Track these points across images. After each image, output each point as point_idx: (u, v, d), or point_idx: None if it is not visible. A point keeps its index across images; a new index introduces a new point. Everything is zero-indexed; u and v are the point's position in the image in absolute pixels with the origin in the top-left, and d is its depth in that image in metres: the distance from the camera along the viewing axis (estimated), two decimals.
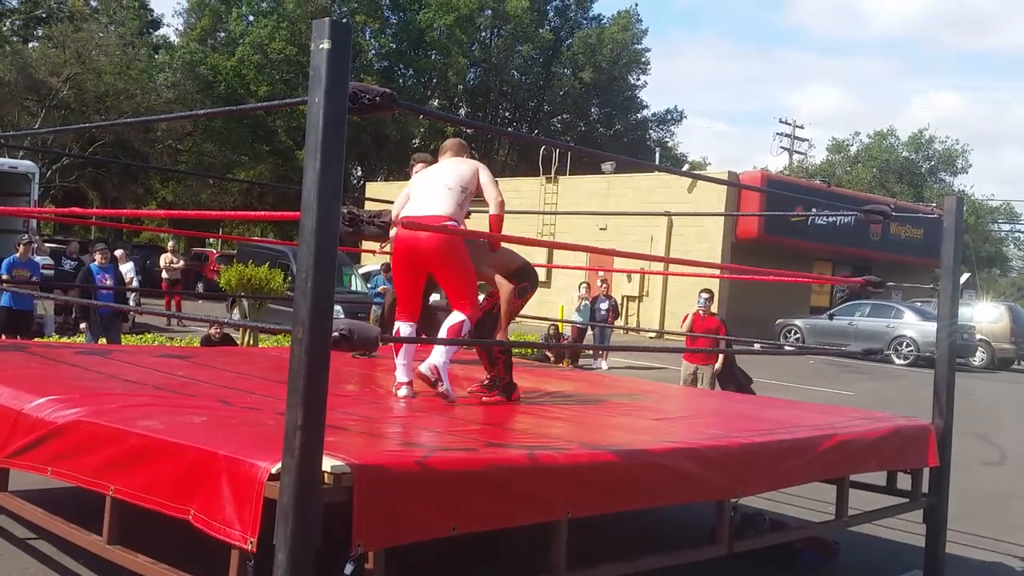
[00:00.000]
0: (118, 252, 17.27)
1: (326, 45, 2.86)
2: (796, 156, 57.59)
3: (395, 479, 3.16)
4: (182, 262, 23.88)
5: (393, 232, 5.04)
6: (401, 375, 5.21)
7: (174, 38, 47.50)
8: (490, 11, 46.99)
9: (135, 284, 17.88)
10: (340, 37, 2.88)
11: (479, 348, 5.79)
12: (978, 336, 25.57)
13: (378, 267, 20.84)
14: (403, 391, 5.18)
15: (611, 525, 5.14)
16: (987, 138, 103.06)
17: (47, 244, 20.38)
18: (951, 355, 6.00)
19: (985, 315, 26.75)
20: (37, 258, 14.50)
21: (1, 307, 12.85)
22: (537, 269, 5.82)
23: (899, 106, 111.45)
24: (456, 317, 5.14)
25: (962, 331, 22.74)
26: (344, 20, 3.10)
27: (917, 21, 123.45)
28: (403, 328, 5.30)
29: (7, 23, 38.31)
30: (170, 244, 24.79)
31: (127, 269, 16.80)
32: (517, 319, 5.77)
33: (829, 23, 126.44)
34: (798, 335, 26.01)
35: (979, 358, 25.66)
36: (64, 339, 13.35)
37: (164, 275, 22.55)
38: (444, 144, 5.72)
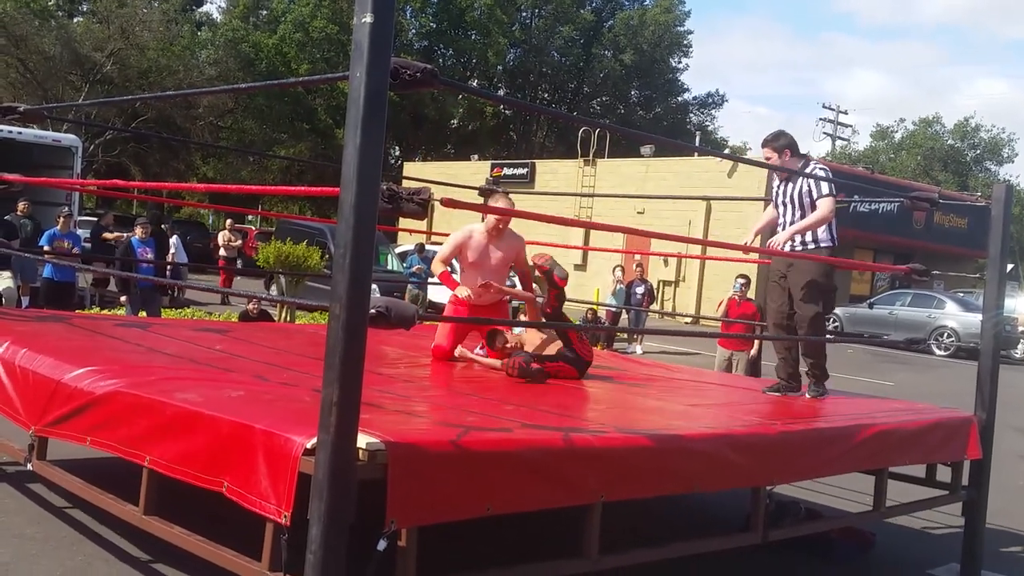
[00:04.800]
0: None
1: (368, 19, 2.83)
2: (839, 142, 56.94)
3: (430, 457, 3.15)
4: (240, 241, 23.53)
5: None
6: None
7: (217, 15, 47.91)
8: None
9: (179, 259, 17.98)
10: (383, 11, 2.85)
11: None
12: (1020, 328, 25.14)
13: (413, 247, 20.90)
14: None
15: (645, 510, 5.11)
16: None
17: (81, 218, 20.46)
18: (996, 346, 5.88)
19: None
20: (79, 231, 14.67)
21: (43, 279, 13.03)
22: (574, 251, 6.17)
23: (945, 93, 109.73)
24: None
25: (1005, 323, 22.38)
26: None
27: (967, 7, 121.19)
28: None
29: None
30: (228, 222, 24.46)
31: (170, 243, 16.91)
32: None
33: (877, 8, 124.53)
34: (837, 323, 25.72)
35: (1021, 350, 25.24)
36: (104, 311, 13.50)
37: (221, 252, 22.40)
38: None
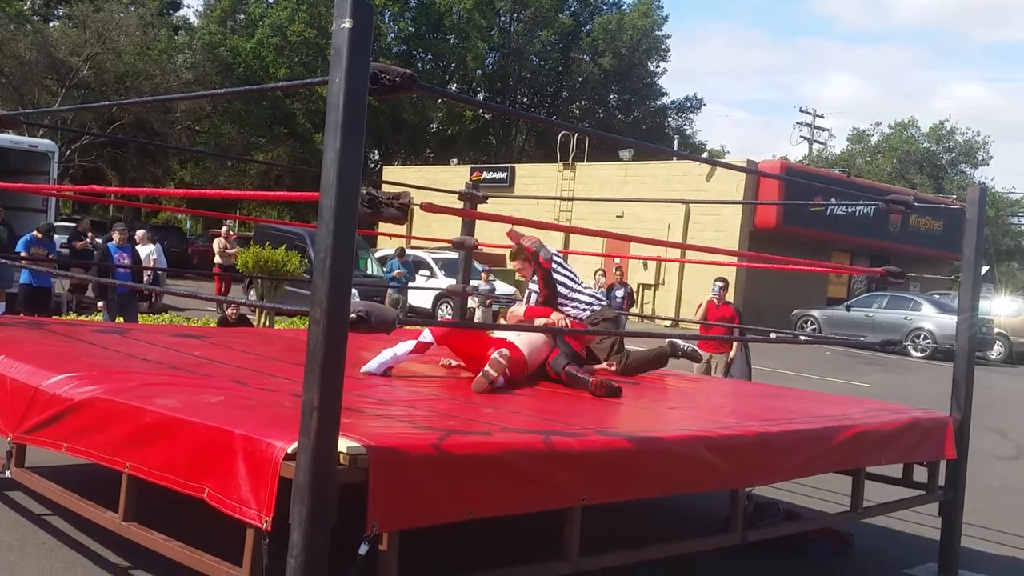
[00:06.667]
0: (139, 233, 17.29)
1: (347, 24, 2.84)
2: (816, 146, 57.36)
3: (411, 462, 3.16)
4: (236, 248, 21.21)
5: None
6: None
7: (194, 19, 47.70)
8: None
9: (161, 264, 17.77)
10: (362, 16, 2.86)
11: None
12: (996, 330, 25.39)
13: (393, 251, 20.88)
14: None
15: (625, 512, 5.13)
16: (1009, 130, 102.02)
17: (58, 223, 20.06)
18: (971, 348, 5.94)
19: (1003, 309, 26.55)
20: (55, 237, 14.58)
21: (21, 284, 12.95)
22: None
23: (921, 97, 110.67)
24: None
25: (980, 324, 22.57)
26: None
27: (942, 12, 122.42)
28: None
29: (28, 2, 38.41)
30: (224, 229, 22.91)
31: (149, 251, 16.81)
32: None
33: (853, 12, 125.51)
34: (815, 326, 25.90)
35: (997, 352, 25.48)
36: (82, 317, 13.41)
37: (217, 259, 21.12)
38: None
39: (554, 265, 6.27)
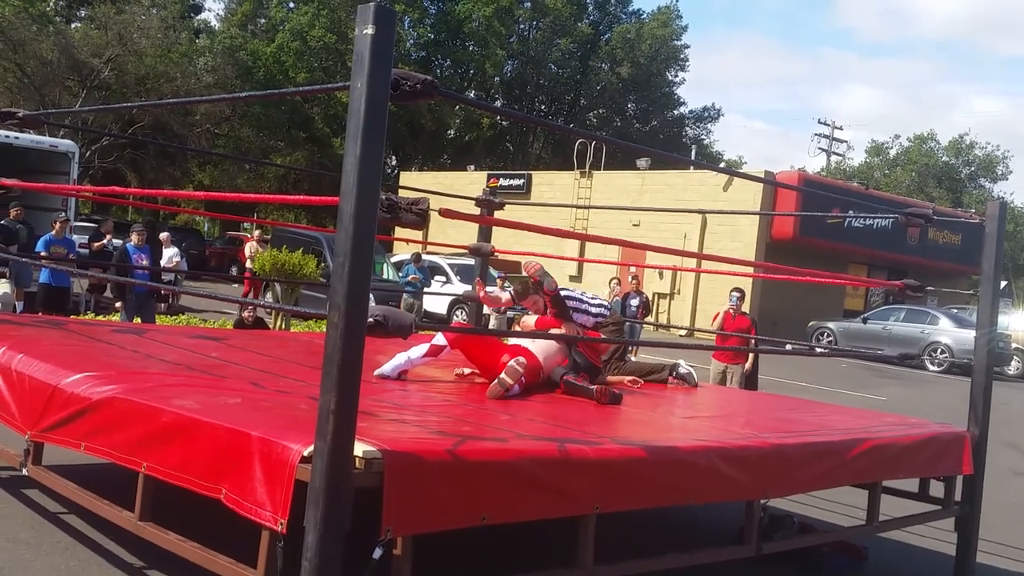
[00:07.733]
0: (163, 236, 17.41)
1: (370, 30, 2.85)
2: (834, 158, 57.08)
3: (426, 466, 3.16)
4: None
5: None
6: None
7: (215, 23, 48.04)
8: (529, 3, 46.93)
9: (182, 267, 17.85)
10: (384, 23, 2.87)
11: None
12: (1014, 345, 25.21)
13: (409, 256, 20.92)
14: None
15: (639, 521, 5.13)
16: None
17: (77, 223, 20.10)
18: (989, 363, 5.90)
19: (1021, 324, 26.37)
20: (74, 236, 14.66)
21: (40, 284, 13.03)
22: (569, 263, 6.25)
23: (941, 110, 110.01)
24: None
25: (998, 339, 22.40)
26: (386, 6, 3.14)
27: (962, 25, 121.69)
28: None
29: (51, 3, 38.72)
30: (256, 233, 22.76)
31: (173, 253, 16.91)
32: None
33: (873, 24, 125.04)
34: (831, 338, 25.77)
35: (1014, 367, 25.29)
36: (100, 317, 13.49)
37: (248, 264, 20.43)
38: None
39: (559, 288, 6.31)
